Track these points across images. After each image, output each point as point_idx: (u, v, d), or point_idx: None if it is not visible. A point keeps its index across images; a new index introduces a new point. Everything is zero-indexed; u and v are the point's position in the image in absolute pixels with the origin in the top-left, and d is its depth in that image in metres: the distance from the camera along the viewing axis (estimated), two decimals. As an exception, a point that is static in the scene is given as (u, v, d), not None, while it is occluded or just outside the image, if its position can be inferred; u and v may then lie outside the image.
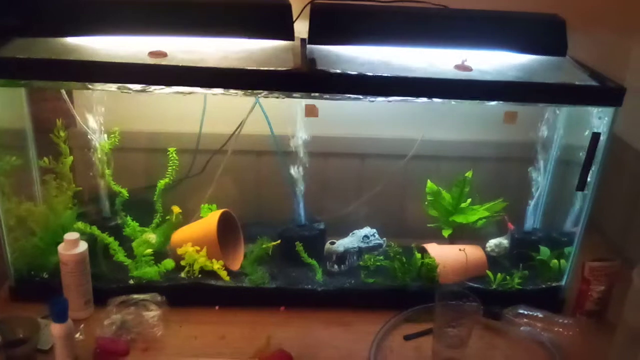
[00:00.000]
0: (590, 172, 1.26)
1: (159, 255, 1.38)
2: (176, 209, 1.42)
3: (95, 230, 1.31)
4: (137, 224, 1.41)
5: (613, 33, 1.51)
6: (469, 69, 1.23)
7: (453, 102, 1.22)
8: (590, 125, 1.29)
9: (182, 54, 1.19)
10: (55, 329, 1.10)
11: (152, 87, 1.16)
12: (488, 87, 1.19)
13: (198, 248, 1.34)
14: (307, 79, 1.17)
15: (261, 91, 1.19)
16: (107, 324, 1.21)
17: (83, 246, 1.24)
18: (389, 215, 1.57)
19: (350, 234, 1.45)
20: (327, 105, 1.25)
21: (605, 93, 1.21)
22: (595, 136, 1.24)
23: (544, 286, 1.39)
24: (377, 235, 1.46)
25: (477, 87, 1.19)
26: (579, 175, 1.27)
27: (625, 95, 1.19)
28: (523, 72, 1.24)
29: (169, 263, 1.35)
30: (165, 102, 1.43)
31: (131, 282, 1.32)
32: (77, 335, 1.20)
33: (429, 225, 1.49)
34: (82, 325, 1.23)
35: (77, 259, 1.23)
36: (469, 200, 1.48)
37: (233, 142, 1.48)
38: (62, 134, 1.32)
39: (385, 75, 1.16)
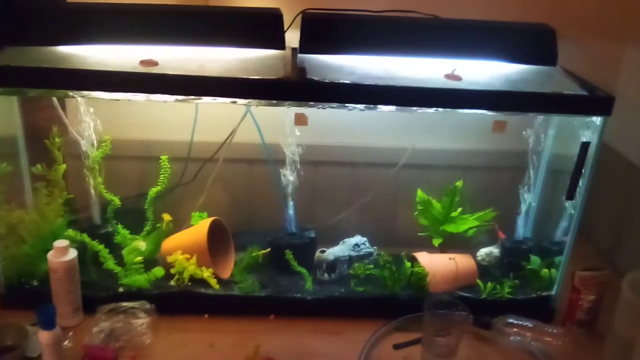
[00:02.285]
0: (580, 181, 1.27)
1: (149, 263, 1.37)
2: (167, 217, 1.42)
3: (85, 237, 1.31)
4: (128, 231, 1.41)
5: (603, 42, 1.51)
6: (458, 78, 1.23)
7: (443, 111, 1.22)
8: (580, 134, 1.29)
9: (173, 63, 1.19)
10: (43, 337, 1.10)
11: (143, 96, 1.17)
12: (478, 97, 1.20)
13: (188, 256, 1.34)
14: (297, 88, 1.17)
15: (252, 100, 1.20)
16: (96, 332, 1.21)
17: (72, 254, 1.24)
18: (379, 223, 1.57)
19: (341, 243, 1.46)
20: (318, 114, 1.25)
21: (595, 102, 1.21)
22: (585, 145, 1.24)
23: (534, 295, 1.39)
24: (367, 244, 1.46)
25: (466, 96, 1.20)
26: (569, 184, 1.27)
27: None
28: (513, 82, 1.24)
29: (158, 271, 1.35)
30: (157, 110, 1.44)
31: (121, 289, 1.32)
32: (66, 342, 1.20)
33: (419, 234, 1.49)
34: (70, 333, 1.23)
35: (66, 267, 1.23)
36: (460, 209, 1.48)
37: (224, 150, 1.49)
38: (57, 140, 1.32)
39: (376, 84, 1.17)
